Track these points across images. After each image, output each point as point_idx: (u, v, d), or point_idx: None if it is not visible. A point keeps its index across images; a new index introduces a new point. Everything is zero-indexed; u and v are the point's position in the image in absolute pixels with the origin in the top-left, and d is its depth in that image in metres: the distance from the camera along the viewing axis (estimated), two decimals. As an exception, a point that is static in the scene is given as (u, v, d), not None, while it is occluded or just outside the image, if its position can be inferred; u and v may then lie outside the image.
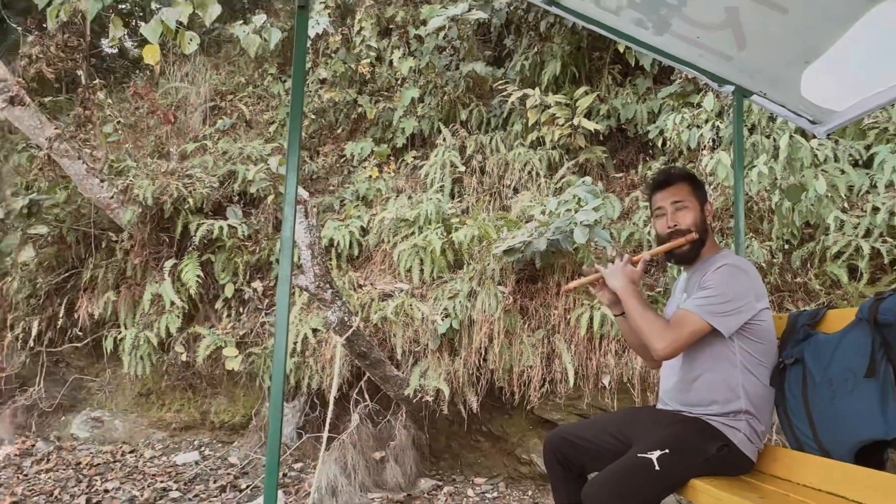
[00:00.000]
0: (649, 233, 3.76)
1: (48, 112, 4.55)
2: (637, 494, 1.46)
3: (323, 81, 4.91)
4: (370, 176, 4.47)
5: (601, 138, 4.42)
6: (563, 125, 4.25)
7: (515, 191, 4.35)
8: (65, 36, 3.92)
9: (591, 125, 4.16)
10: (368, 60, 4.74)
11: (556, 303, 3.81)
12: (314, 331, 3.94)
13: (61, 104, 4.96)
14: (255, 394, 4.27)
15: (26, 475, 4.10)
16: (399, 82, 4.88)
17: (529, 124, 4.35)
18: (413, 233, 4.12)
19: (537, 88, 4.35)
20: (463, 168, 4.44)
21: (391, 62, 4.79)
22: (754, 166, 3.36)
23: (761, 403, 1.61)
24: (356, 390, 3.99)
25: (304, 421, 4.18)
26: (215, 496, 3.82)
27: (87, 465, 4.16)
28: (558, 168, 4.35)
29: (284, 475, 4.05)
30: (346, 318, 3.48)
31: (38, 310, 4.47)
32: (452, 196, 4.41)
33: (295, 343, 4.00)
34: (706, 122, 3.93)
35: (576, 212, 3.60)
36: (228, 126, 4.89)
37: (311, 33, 4.45)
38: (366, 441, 3.97)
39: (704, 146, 3.95)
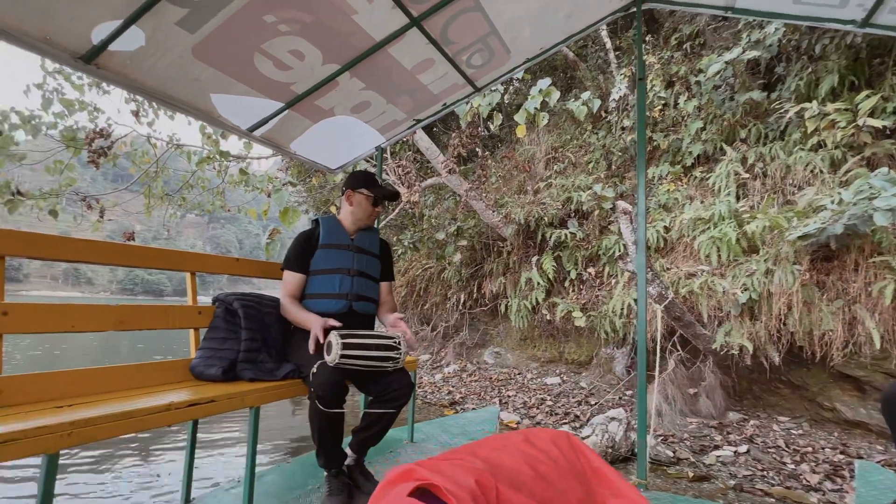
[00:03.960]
0: (956, 212, 3.44)
1: (462, 174, 5.85)
2: None
3: (624, 128, 5.30)
4: (668, 189, 4.69)
5: (888, 133, 3.95)
6: (844, 127, 3.95)
7: (799, 188, 4.13)
8: (469, 129, 5.45)
9: (876, 122, 3.79)
10: (659, 107, 5.00)
11: (855, 277, 3.55)
12: (635, 300, 4.24)
13: (469, 169, 6.24)
14: (594, 342, 4.76)
15: (464, 382, 5.30)
16: (682, 119, 4.97)
17: (808, 132, 4.14)
18: (709, 227, 4.24)
19: (814, 101, 4.12)
20: (746, 175, 4.37)
21: (676, 104, 4.97)
22: None
23: None
24: (670, 343, 4.25)
25: (631, 361, 4.58)
26: (574, 406, 4.39)
27: (495, 380, 5.18)
28: (841, 165, 4.01)
29: (620, 397, 4.41)
30: (663, 292, 3.75)
31: (462, 288, 5.66)
32: (738, 198, 4.38)
33: (622, 309, 4.45)
34: None
35: (871, 199, 3.31)
36: (562, 169, 5.53)
37: (616, 95, 4.97)
38: (680, 380, 4.15)
39: None
